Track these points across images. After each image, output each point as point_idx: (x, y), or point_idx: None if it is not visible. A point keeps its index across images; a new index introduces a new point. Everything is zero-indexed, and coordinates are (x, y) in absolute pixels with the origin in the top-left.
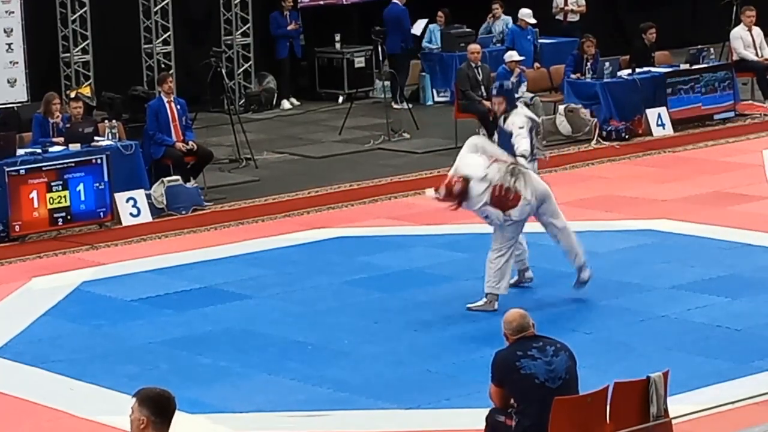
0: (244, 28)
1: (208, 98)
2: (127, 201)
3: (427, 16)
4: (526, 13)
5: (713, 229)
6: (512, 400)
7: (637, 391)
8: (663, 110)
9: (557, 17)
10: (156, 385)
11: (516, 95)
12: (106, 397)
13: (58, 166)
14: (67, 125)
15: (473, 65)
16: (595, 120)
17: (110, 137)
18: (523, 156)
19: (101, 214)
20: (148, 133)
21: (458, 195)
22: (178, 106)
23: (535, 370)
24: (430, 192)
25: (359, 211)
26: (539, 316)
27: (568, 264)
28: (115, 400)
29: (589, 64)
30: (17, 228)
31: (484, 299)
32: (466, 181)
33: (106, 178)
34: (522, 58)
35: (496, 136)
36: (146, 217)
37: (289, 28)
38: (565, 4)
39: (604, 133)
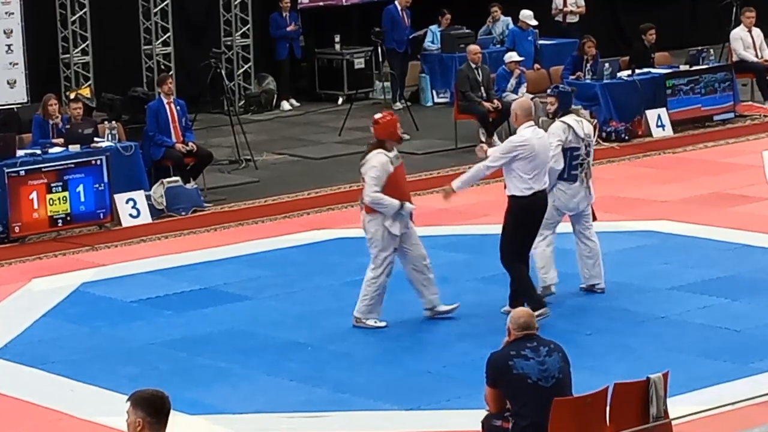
0: (244, 29)
1: (208, 99)
2: (127, 202)
3: (429, 18)
4: (527, 15)
5: (713, 230)
6: (507, 404)
7: (637, 392)
8: (663, 111)
9: (556, 18)
10: (156, 386)
11: (516, 95)
12: (106, 398)
13: (57, 167)
14: (67, 126)
15: (473, 66)
16: (595, 121)
17: (110, 138)
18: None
19: (101, 215)
20: (147, 134)
21: None
22: (178, 107)
23: (528, 370)
24: None
25: (359, 212)
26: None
27: (569, 265)
28: (115, 401)
29: (589, 65)
30: (17, 229)
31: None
32: None
33: (105, 179)
34: (522, 58)
35: None
36: (146, 218)
37: (288, 29)
38: (565, 5)
39: (604, 134)
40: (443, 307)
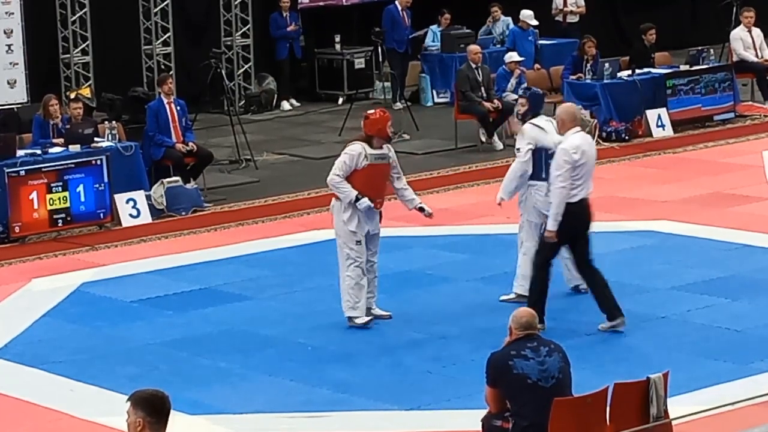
0: (244, 29)
1: (208, 99)
2: (127, 202)
3: (429, 19)
4: (527, 15)
5: (713, 230)
6: (507, 404)
7: (637, 392)
8: (663, 111)
9: (557, 18)
10: (156, 386)
11: (516, 95)
12: (106, 398)
13: (58, 167)
14: (67, 126)
15: (473, 66)
16: (595, 121)
17: (110, 138)
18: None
19: (101, 215)
20: (148, 134)
21: None
22: (178, 107)
23: (528, 371)
24: None
25: None
26: None
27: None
28: (115, 401)
29: (589, 65)
30: (17, 229)
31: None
32: None
33: (106, 179)
34: (522, 59)
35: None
36: (146, 218)
37: (288, 29)
38: (565, 5)
39: (604, 134)
40: (377, 311)
